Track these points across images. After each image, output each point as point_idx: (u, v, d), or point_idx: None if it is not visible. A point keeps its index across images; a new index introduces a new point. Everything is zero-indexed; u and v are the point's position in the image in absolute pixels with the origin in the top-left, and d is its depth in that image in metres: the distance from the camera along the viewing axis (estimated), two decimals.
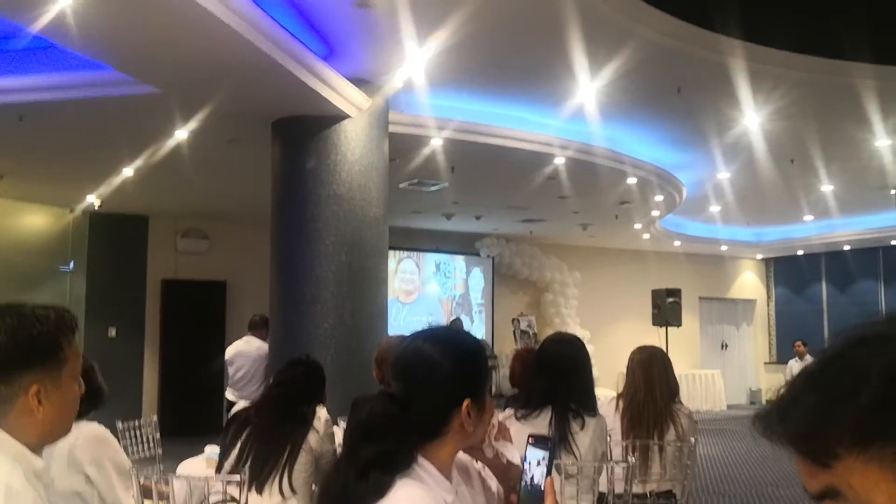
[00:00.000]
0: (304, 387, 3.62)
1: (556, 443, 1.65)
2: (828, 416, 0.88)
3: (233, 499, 3.10)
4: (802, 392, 0.92)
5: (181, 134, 7.60)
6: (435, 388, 1.62)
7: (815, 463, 0.90)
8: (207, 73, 5.83)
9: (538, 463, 1.64)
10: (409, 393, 1.61)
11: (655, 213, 12.95)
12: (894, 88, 7.33)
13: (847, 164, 10.15)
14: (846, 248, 17.10)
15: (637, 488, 3.73)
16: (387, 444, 1.55)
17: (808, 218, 15.06)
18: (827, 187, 11.83)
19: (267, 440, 3.45)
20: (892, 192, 11.63)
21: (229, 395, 8.04)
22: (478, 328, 15.23)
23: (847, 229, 15.84)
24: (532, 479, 1.64)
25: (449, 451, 1.63)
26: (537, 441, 1.65)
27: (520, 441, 3.10)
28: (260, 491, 3.36)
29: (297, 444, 3.45)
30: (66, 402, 1.56)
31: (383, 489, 1.50)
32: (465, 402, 1.61)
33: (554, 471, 2.93)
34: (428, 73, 6.79)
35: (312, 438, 3.51)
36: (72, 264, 12.14)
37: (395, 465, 1.54)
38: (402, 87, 6.94)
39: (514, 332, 15.30)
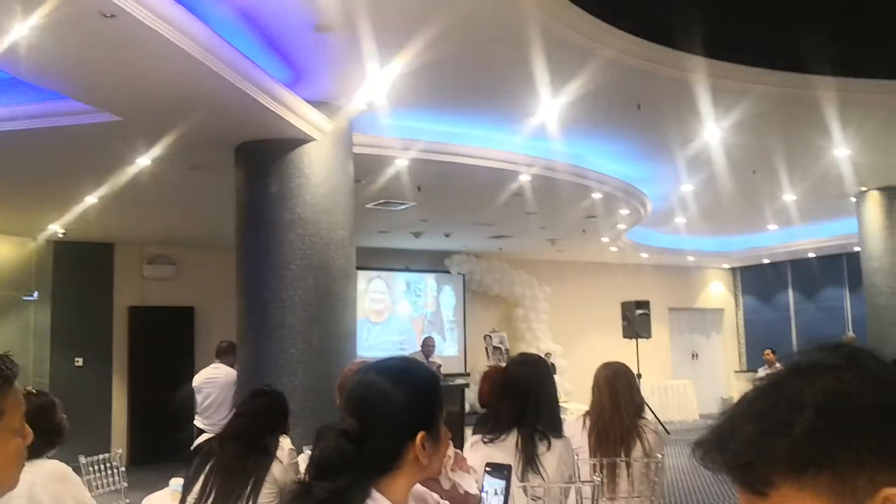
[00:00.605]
0: (267, 417, 3.59)
1: (511, 472, 1.65)
2: (763, 446, 0.89)
3: None
4: (740, 421, 0.93)
5: (144, 161, 7.55)
6: (388, 422, 1.61)
7: (752, 491, 0.91)
8: (168, 100, 5.80)
9: (496, 492, 1.64)
10: (363, 428, 1.60)
11: (622, 226, 13.06)
12: (853, 99, 7.47)
13: (808, 173, 10.30)
14: (811, 255, 17.34)
15: None
16: (340, 482, 1.53)
17: (772, 227, 15.26)
18: (789, 196, 12.00)
19: (230, 473, 3.41)
20: (852, 199, 11.82)
21: (198, 422, 7.94)
22: (450, 346, 15.22)
23: (810, 237, 16.06)
24: None
25: (404, 485, 1.62)
26: (494, 470, 1.66)
27: None
28: None
29: (261, 475, 3.42)
30: (5, 458, 1.48)
31: None
32: (420, 435, 1.60)
33: (520, 493, 2.92)
34: (391, 95, 6.80)
35: (276, 469, 3.48)
36: (36, 294, 11.97)
37: (348, 502, 1.53)
38: (365, 108, 6.96)
39: (486, 348, 15.30)
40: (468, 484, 1.75)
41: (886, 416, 0.87)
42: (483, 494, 1.63)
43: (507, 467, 1.65)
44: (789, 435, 0.87)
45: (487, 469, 1.66)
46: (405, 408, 1.62)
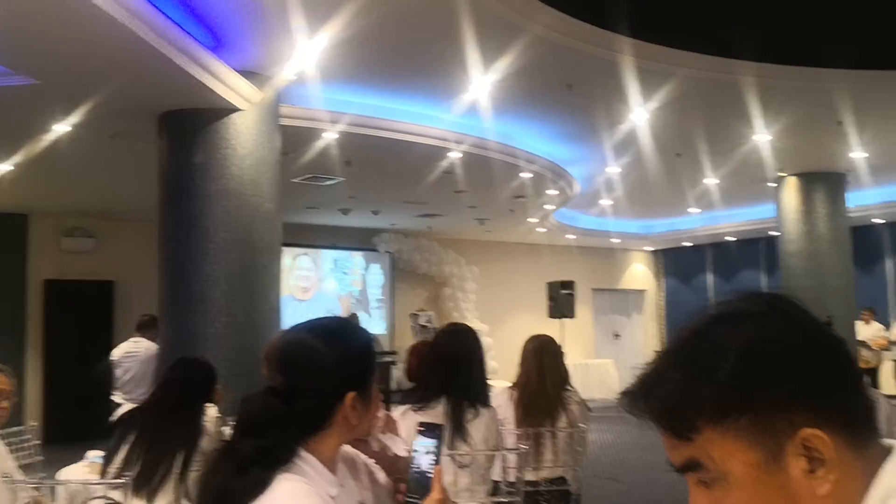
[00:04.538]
0: (193, 386, 3.51)
1: (444, 431, 1.65)
2: (689, 391, 0.91)
3: (115, 503, 2.98)
4: (665, 369, 0.95)
5: (62, 128, 7.27)
6: (318, 381, 1.58)
7: (677, 437, 0.93)
8: (89, 64, 5.60)
9: (427, 451, 1.64)
10: (291, 386, 1.57)
11: (549, 206, 13.20)
12: (774, 85, 7.67)
13: (729, 157, 10.57)
14: (730, 239, 17.84)
15: (530, 475, 3.79)
16: (267, 439, 1.51)
17: (694, 210, 15.64)
18: (711, 180, 12.29)
19: (155, 444, 3.32)
20: (771, 184, 12.18)
21: (117, 398, 7.75)
22: (377, 324, 15.19)
23: (730, 221, 16.52)
24: (420, 467, 1.65)
25: (333, 445, 1.60)
26: (427, 429, 1.65)
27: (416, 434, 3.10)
28: (152, 500, 3.22)
29: (192, 448, 3.34)
30: None
31: (264, 485, 1.46)
32: (350, 395, 1.58)
33: (448, 460, 2.94)
34: (320, 66, 6.71)
35: (203, 440, 3.42)
36: None
37: (275, 460, 1.50)
38: (293, 79, 6.84)
39: (413, 327, 15.32)
40: (397, 447, 1.75)
41: (806, 361, 0.89)
42: (414, 454, 1.62)
43: (440, 427, 1.65)
44: (713, 380, 0.89)
45: (420, 428, 1.66)
46: (336, 367, 1.59)
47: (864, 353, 12.88)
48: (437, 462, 1.59)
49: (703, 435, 0.90)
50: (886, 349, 13.23)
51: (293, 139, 7.81)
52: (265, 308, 6.64)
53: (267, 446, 1.50)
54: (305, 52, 6.35)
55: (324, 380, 1.59)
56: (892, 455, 0.89)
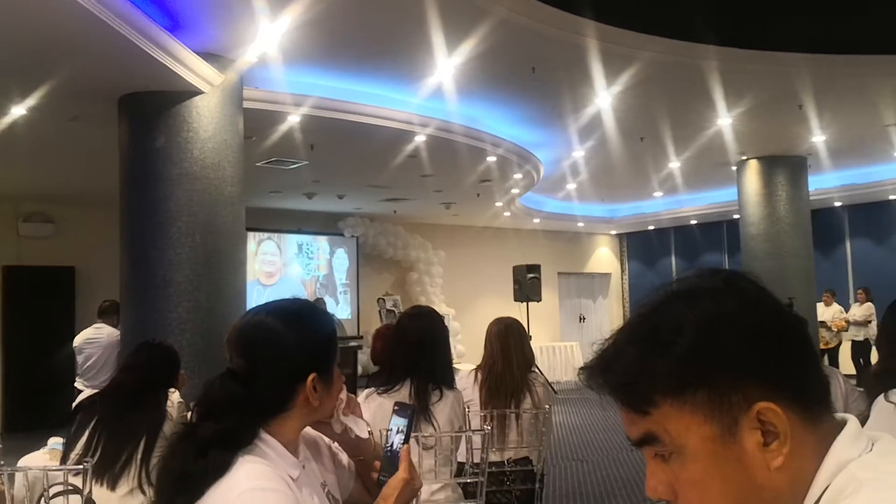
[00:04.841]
0: (155, 370, 3.47)
1: (415, 410, 1.66)
2: (646, 366, 0.92)
3: (76, 489, 2.94)
4: (623, 344, 0.96)
5: (19, 110, 7.12)
6: (278, 363, 1.57)
7: (634, 411, 0.94)
8: (46, 45, 5.48)
9: (398, 430, 1.66)
10: (251, 368, 1.56)
11: (515, 190, 13.24)
12: (735, 69, 7.74)
13: (692, 141, 10.67)
14: (693, 222, 18.04)
15: (494, 456, 3.82)
16: (227, 422, 1.50)
17: (658, 194, 15.79)
18: (674, 164, 12.41)
19: (117, 429, 3.28)
20: (733, 167, 12.32)
21: (79, 384, 7.66)
22: (343, 309, 15.15)
23: (693, 204, 16.71)
24: (392, 446, 1.66)
25: (294, 427, 1.59)
26: (400, 409, 1.67)
27: (381, 415, 3.10)
28: (114, 486, 3.17)
29: (154, 434, 3.29)
30: None
31: (224, 467, 1.45)
32: (311, 377, 1.57)
33: (413, 442, 2.95)
34: (283, 49, 6.64)
35: (166, 426, 3.38)
36: None
37: (235, 442, 1.49)
38: (256, 62, 6.76)
39: (379, 311, 15.31)
40: (360, 429, 1.74)
41: (761, 337, 0.91)
42: (388, 433, 1.64)
43: (412, 407, 1.66)
44: (670, 355, 0.90)
45: (395, 408, 1.67)
46: (296, 349, 1.59)
47: (824, 333, 13.14)
48: (406, 441, 1.60)
49: (661, 409, 0.91)
50: (844, 330, 13.51)
51: (257, 122, 7.74)
52: (230, 293, 6.58)
53: (227, 429, 1.49)
54: (268, 35, 6.28)
55: (284, 362, 1.58)
56: (845, 429, 0.91)
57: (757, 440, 0.87)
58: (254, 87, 7.34)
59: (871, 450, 0.89)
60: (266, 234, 14.17)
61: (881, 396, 2.39)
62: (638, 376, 0.92)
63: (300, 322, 1.63)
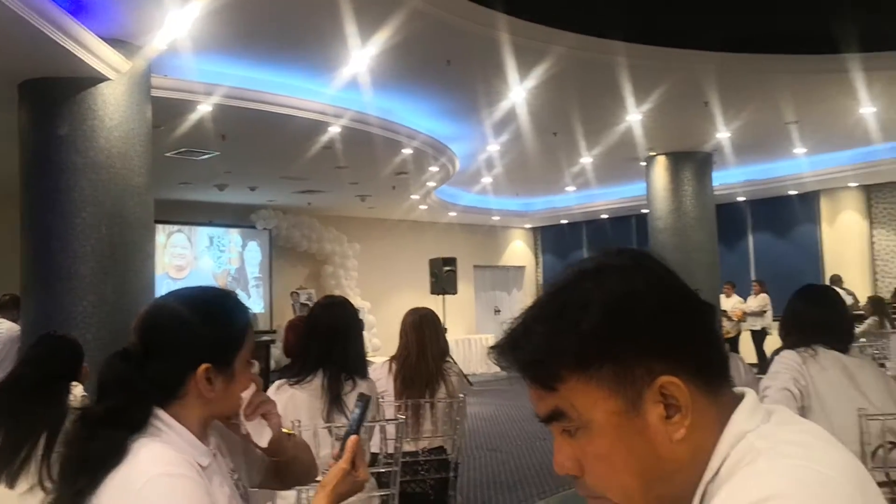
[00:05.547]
0: (57, 364, 3.34)
1: (369, 401, 1.65)
2: (554, 342, 0.93)
3: None
4: (532, 322, 0.97)
5: None
6: (169, 347, 1.54)
7: (543, 387, 0.95)
8: None
9: (353, 421, 1.66)
10: (143, 349, 1.54)
11: (431, 183, 13.26)
12: (644, 66, 7.92)
13: (603, 136, 10.89)
14: (604, 216, 18.43)
15: (409, 446, 3.82)
16: (114, 400, 1.47)
17: (571, 189, 16.07)
18: (586, 159, 12.64)
19: (16, 426, 3.15)
20: (642, 163, 12.62)
21: None
22: (255, 303, 14.92)
23: (604, 199, 17.06)
24: (347, 434, 1.66)
25: (196, 415, 1.56)
26: (359, 400, 1.66)
27: (292, 407, 3.06)
28: (12, 485, 3.05)
29: (55, 429, 3.17)
30: None
31: (118, 448, 1.41)
32: (203, 367, 1.53)
33: (325, 433, 2.92)
34: (194, 36, 6.49)
35: (68, 421, 3.26)
36: None
37: (126, 422, 1.45)
38: (165, 49, 6.59)
39: (293, 305, 15.13)
40: (262, 437, 1.69)
41: (665, 313, 0.93)
42: (350, 422, 1.62)
43: (367, 398, 1.65)
44: (577, 332, 0.92)
45: (358, 400, 1.66)
46: (192, 336, 1.55)
47: (725, 323, 13.64)
48: (354, 432, 1.59)
49: (568, 384, 0.93)
50: (743, 320, 14.05)
51: (166, 111, 7.54)
52: (137, 287, 6.40)
53: (116, 407, 1.46)
54: (177, 21, 6.13)
55: (176, 347, 1.54)
56: (742, 401, 0.94)
57: (659, 413, 0.90)
58: (163, 74, 7.15)
59: (768, 421, 0.92)
60: (176, 227, 13.83)
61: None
62: (545, 353, 0.93)
63: (204, 309, 1.60)
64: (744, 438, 0.89)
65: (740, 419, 0.92)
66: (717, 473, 0.89)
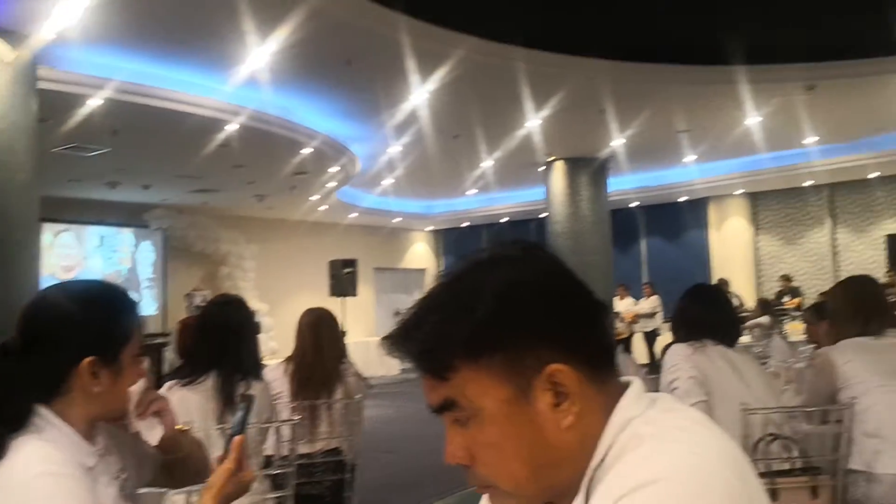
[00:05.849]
0: None
1: (252, 401, 1.61)
2: (446, 331, 0.94)
3: None
4: (425, 312, 0.97)
5: None
6: (51, 340, 1.49)
7: (435, 377, 0.95)
8: None
9: (237, 422, 1.61)
10: (23, 343, 1.48)
11: (331, 184, 13.15)
12: (542, 72, 8.08)
13: (504, 141, 11.04)
14: (504, 220, 18.68)
15: (304, 448, 3.76)
16: None
17: (472, 192, 16.22)
18: (487, 163, 12.78)
19: None
20: (541, 168, 12.84)
21: None
22: (147, 304, 14.47)
23: (505, 203, 17.29)
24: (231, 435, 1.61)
25: (81, 413, 1.50)
26: (242, 400, 1.62)
27: (183, 409, 2.98)
28: None
29: None
30: None
31: None
32: (88, 360, 1.48)
33: (217, 435, 2.85)
34: (84, 27, 6.26)
35: None
36: None
37: (4, 419, 1.40)
38: (53, 39, 6.32)
39: (187, 307, 14.72)
40: (152, 436, 1.64)
41: (554, 302, 0.95)
42: (233, 422, 1.58)
43: (250, 397, 1.61)
44: (469, 321, 0.93)
45: (241, 400, 1.61)
46: (75, 328, 1.50)
47: (618, 324, 14.01)
48: (239, 432, 1.54)
49: (460, 373, 0.93)
50: (635, 322, 14.48)
51: (53, 104, 7.23)
52: (21, 287, 6.11)
53: None
54: (67, 10, 5.89)
55: (58, 340, 1.49)
56: (628, 389, 0.97)
57: (548, 401, 0.92)
58: (50, 66, 6.85)
59: (653, 407, 0.95)
60: (64, 225, 13.29)
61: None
62: (437, 342, 0.94)
63: (88, 301, 1.54)
64: (629, 425, 0.92)
65: (626, 406, 0.94)
66: (603, 459, 0.91)
